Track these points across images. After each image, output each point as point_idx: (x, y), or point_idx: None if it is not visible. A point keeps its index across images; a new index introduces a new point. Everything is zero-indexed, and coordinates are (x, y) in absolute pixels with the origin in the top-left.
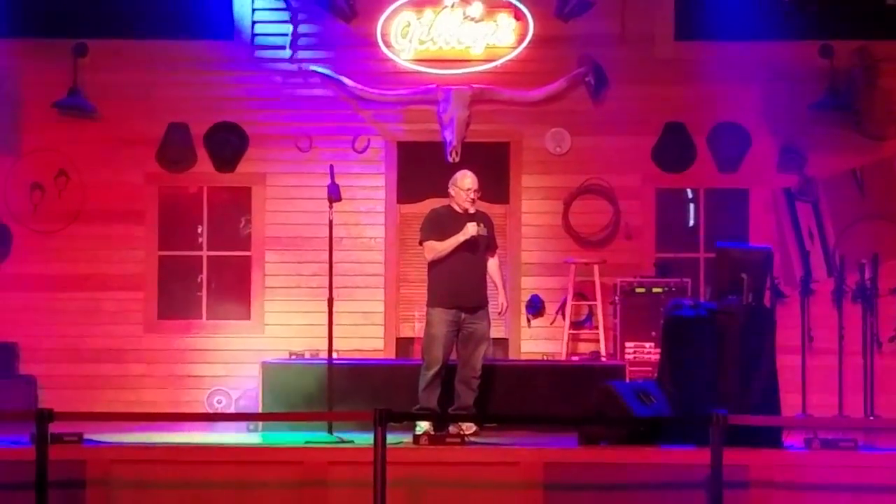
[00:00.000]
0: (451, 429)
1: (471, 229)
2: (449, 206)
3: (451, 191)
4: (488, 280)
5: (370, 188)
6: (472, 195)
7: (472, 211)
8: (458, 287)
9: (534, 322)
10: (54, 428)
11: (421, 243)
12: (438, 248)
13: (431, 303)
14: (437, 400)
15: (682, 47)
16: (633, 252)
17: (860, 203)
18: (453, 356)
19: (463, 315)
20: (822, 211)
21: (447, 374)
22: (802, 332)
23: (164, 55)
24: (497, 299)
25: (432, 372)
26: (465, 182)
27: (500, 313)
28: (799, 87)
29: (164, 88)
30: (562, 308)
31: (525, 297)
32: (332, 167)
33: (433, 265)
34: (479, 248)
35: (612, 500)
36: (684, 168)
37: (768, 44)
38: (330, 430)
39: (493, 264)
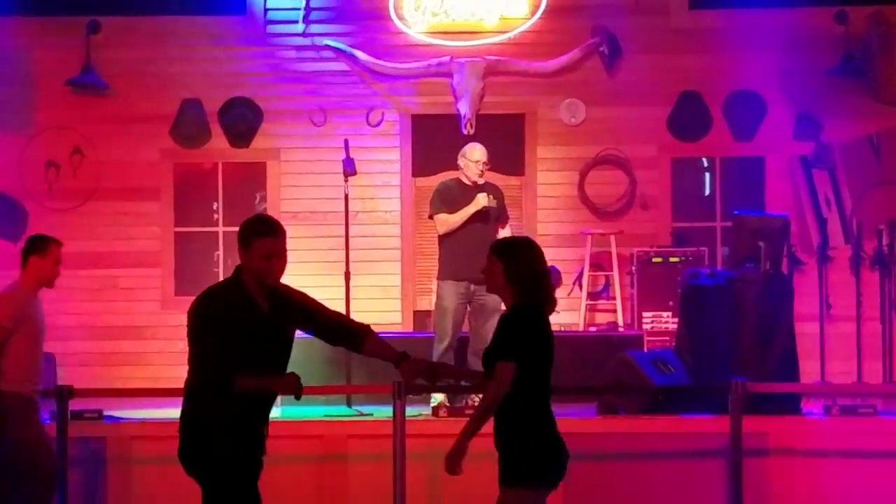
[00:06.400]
0: (468, 400)
1: (482, 200)
2: (458, 178)
3: (461, 163)
4: None
5: (385, 161)
6: (481, 167)
7: (481, 182)
8: (469, 259)
9: None
10: (74, 405)
11: (431, 217)
12: (450, 220)
13: (442, 275)
14: None
15: (696, 16)
16: (649, 222)
17: (877, 169)
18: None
19: (473, 287)
20: (839, 178)
21: (460, 346)
22: (820, 299)
23: (177, 31)
24: None
25: (444, 344)
26: (474, 154)
27: None
28: (814, 54)
29: (177, 64)
30: (578, 279)
31: None
32: (346, 141)
33: (444, 238)
34: (490, 220)
35: (631, 470)
36: (700, 137)
37: (783, 11)
38: (349, 404)
39: (504, 235)
